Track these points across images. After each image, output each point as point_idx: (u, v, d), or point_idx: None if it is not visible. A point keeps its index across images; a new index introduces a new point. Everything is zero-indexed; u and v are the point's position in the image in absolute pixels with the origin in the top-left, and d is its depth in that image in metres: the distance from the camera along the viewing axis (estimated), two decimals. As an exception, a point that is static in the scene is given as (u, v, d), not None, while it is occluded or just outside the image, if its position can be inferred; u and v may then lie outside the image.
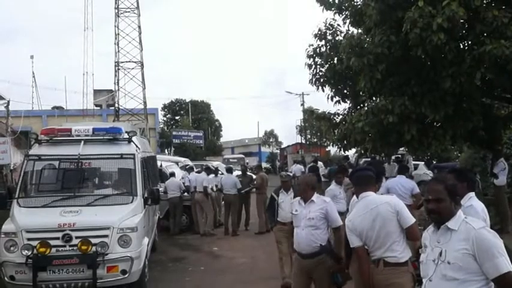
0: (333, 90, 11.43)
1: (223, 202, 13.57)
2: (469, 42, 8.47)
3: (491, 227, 4.42)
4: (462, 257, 2.67)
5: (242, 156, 42.56)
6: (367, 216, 4.03)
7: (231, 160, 33.76)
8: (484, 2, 8.10)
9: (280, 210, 7.28)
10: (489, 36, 7.77)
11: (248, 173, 14.62)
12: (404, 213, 3.97)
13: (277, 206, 7.33)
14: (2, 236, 6.43)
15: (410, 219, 3.97)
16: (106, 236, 6.50)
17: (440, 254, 2.77)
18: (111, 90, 35.79)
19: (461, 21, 7.93)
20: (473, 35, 8.12)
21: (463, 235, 2.71)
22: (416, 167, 18.08)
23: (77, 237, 6.39)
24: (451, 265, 2.70)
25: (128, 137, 7.78)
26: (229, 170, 13.33)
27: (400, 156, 14.03)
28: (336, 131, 11.21)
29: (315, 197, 5.28)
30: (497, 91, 9.48)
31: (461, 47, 8.51)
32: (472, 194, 4.32)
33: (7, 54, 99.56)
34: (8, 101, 17.20)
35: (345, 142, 10.69)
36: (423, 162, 18.63)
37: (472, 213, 4.06)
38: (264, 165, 32.00)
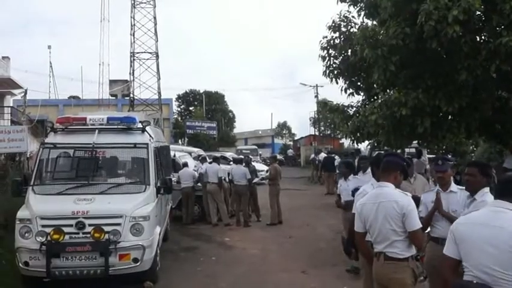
0: (347, 82, 11.31)
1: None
2: (485, 35, 8.33)
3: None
4: None
5: (255, 147, 42.54)
6: (374, 208, 4.00)
7: (244, 151, 33.76)
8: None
9: None
10: (506, 28, 7.64)
11: (252, 164, 14.58)
12: (411, 216, 3.86)
13: None
14: (17, 222, 6.56)
15: (415, 224, 3.85)
16: (119, 224, 6.59)
17: None
18: (127, 80, 36.10)
19: (478, 13, 7.81)
20: (489, 28, 8.00)
21: None
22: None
23: (90, 225, 6.49)
24: None
25: (141, 126, 7.85)
26: (239, 161, 13.37)
27: (420, 149, 13.70)
28: (349, 124, 11.13)
29: None
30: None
31: (478, 39, 8.37)
32: (487, 189, 4.29)
33: (25, 44, 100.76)
34: (26, 90, 17.45)
35: (358, 134, 10.59)
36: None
37: None
38: (279, 156, 31.89)
